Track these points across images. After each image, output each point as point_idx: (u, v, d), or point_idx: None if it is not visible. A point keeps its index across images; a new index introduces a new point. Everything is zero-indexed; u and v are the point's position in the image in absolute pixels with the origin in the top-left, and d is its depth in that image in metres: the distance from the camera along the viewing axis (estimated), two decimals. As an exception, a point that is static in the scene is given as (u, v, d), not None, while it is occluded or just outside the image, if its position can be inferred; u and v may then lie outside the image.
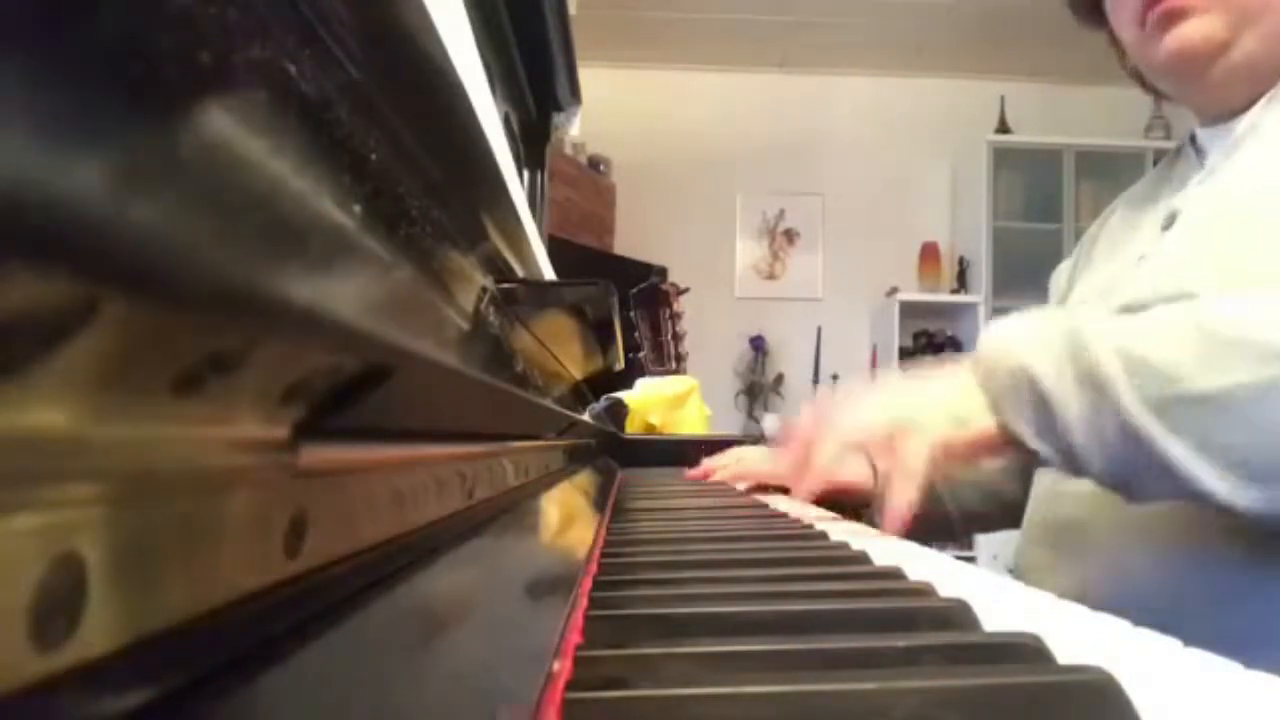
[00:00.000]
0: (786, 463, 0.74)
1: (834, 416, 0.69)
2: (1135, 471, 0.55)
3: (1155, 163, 0.91)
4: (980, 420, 0.61)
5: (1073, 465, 0.57)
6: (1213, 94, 0.77)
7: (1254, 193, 0.68)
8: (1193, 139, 0.84)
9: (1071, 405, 0.56)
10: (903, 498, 0.61)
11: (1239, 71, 0.73)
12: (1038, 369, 0.58)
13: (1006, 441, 0.60)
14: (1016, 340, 0.61)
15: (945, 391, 0.65)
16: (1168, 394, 0.52)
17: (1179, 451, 0.52)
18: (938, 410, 0.63)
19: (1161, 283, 0.70)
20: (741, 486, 0.96)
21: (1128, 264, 0.79)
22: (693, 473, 1.01)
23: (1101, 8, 0.83)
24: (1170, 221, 0.76)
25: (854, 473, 0.90)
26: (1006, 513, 0.92)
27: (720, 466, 1.05)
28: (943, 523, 0.90)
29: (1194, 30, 0.73)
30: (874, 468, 0.86)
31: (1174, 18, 0.74)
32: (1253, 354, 0.50)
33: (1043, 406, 0.57)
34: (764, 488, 1.00)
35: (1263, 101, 0.73)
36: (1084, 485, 0.63)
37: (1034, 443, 0.58)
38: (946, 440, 0.62)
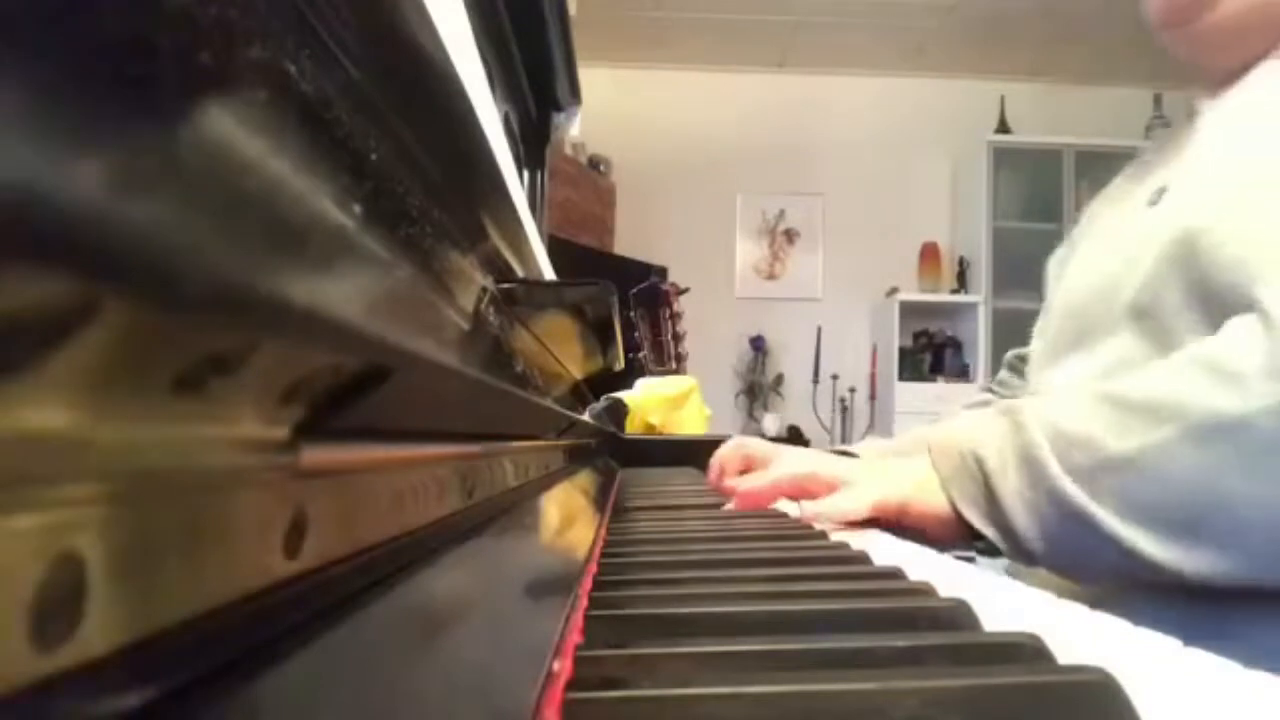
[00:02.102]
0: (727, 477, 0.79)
1: (794, 458, 0.74)
2: (1074, 546, 0.56)
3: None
4: (931, 495, 0.64)
5: (1017, 548, 0.59)
6: (1207, 49, 0.76)
7: (1233, 167, 0.67)
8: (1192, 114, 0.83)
9: (1010, 481, 0.59)
10: (845, 504, 0.65)
11: (1227, 26, 0.73)
12: (982, 450, 0.61)
13: (956, 522, 0.63)
14: (968, 427, 0.65)
15: (905, 469, 0.68)
16: (1088, 462, 0.55)
17: (1105, 516, 0.54)
18: (897, 478, 0.67)
19: (1148, 268, 0.70)
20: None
21: (1116, 237, 0.78)
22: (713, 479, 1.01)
23: None
24: (1158, 196, 0.76)
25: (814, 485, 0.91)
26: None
27: (725, 459, 1.03)
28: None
29: None
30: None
31: None
32: (1152, 416, 0.53)
33: (985, 485, 0.60)
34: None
35: (1255, 71, 0.73)
36: None
37: (978, 523, 0.61)
38: (901, 497, 0.65)
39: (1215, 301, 0.61)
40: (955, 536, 0.64)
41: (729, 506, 0.75)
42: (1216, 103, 0.77)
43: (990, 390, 1.11)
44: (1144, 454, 0.53)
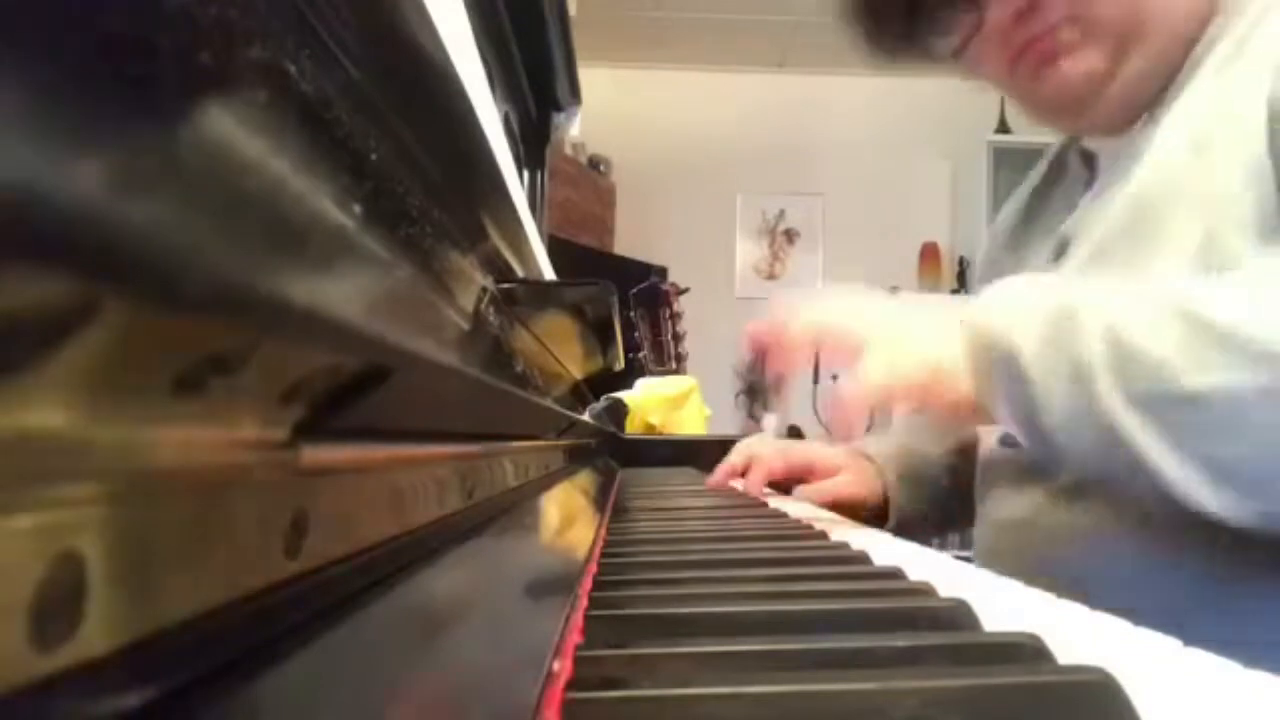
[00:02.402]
0: (757, 343, 0.71)
1: (812, 306, 0.67)
2: (1113, 467, 0.52)
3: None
4: (955, 381, 0.58)
5: (1046, 452, 0.55)
6: (1098, 120, 0.72)
7: (1144, 208, 0.64)
8: (1077, 144, 0.79)
9: (1052, 389, 0.53)
10: (851, 406, 0.60)
11: (1125, 96, 0.69)
12: (1022, 344, 0.54)
13: (981, 412, 0.58)
14: (1010, 313, 0.57)
15: (930, 333, 0.61)
16: (1152, 389, 0.49)
17: (1161, 453, 0.49)
18: (917, 347, 0.60)
19: None
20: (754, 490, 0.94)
21: None
22: (713, 481, 0.99)
23: (910, 37, 0.75)
24: (1062, 249, 0.73)
25: (850, 486, 0.89)
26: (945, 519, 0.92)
27: (731, 467, 1.02)
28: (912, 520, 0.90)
29: (1072, 69, 0.68)
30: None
31: (1050, 58, 0.68)
32: (1244, 354, 0.47)
33: (1021, 385, 0.54)
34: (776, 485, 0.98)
35: (1153, 114, 0.68)
36: (1059, 517, 0.62)
37: (1008, 422, 0.56)
38: (913, 382, 0.59)
39: None
40: (971, 421, 0.60)
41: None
42: (1112, 148, 0.73)
43: None
44: (1222, 396, 0.47)
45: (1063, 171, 0.83)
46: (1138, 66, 0.68)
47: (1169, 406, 0.49)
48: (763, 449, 0.96)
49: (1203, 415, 0.48)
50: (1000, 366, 0.55)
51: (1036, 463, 0.58)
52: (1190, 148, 0.63)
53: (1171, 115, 0.66)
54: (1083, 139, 0.78)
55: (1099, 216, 0.69)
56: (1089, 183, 0.76)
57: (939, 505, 0.91)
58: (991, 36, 0.70)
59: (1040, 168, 0.88)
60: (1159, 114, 0.67)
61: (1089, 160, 0.78)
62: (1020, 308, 0.57)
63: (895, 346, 0.60)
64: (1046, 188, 0.84)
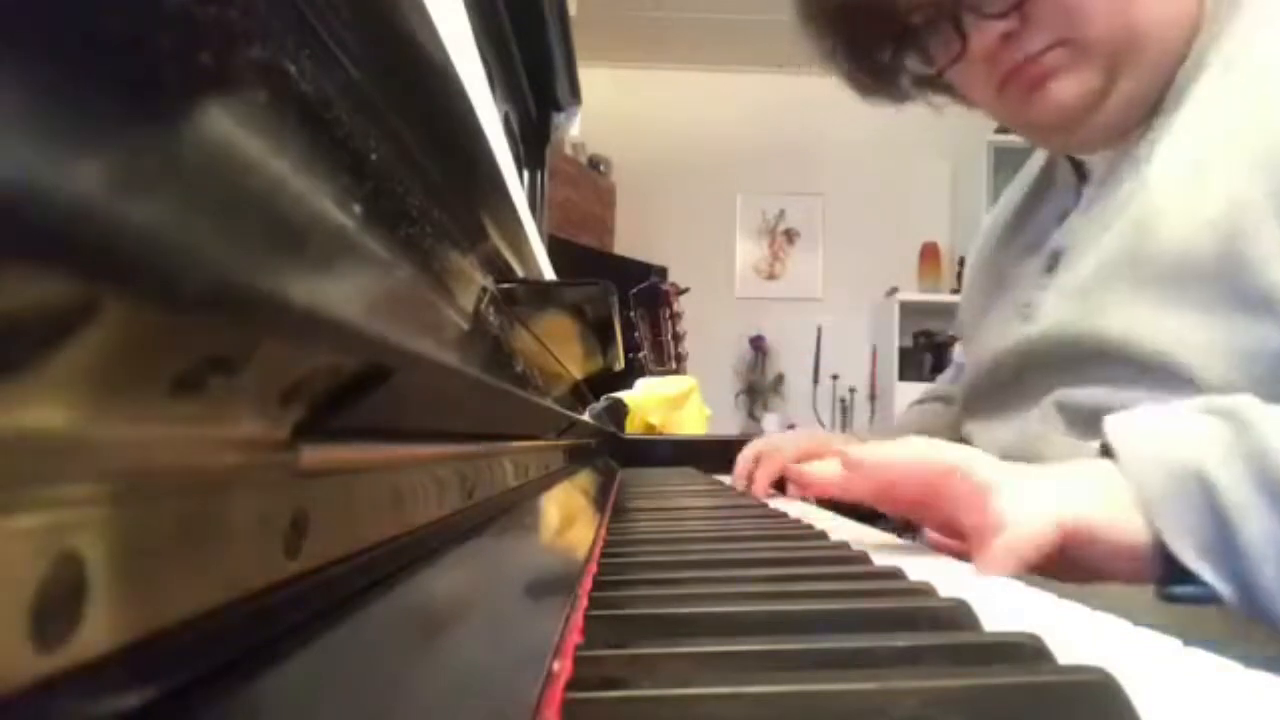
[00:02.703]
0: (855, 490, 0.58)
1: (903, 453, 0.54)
2: None
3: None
4: (1126, 524, 0.47)
5: (1249, 596, 0.45)
6: (1091, 137, 0.71)
7: (1134, 252, 0.63)
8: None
9: (1254, 512, 0.44)
10: (1018, 540, 0.46)
11: (1119, 113, 0.68)
12: (1207, 465, 0.45)
13: (1155, 556, 0.46)
14: (1168, 429, 0.48)
15: (1079, 475, 0.50)
16: None
17: None
18: (1075, 486, 0.49)
19: (1055, 331, 0.67)
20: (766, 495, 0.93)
21: (1015, 310, 0.74)
22: (739, 486, 0.96)
23: (889, 79, 0.74)
24: (1054, 262, 0.72)
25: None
26: None
27: (748, 469, 0.98)
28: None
29: (1065, 91, 0.67)
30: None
31: (1041, 81, 0.67)
32: None
33: (1215, 512, 0.45)
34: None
35: (1146, 130, 0.67)
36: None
37: (1197, 563, 0.45)
38: (1089, 518, 0.46)
39: None
40: (1146, 576, 0.47)
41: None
42: (1105, 159, 0.72)
43: (939, 399, 1.04)
44: None
45: (1052, 179, 0.81)
46: (1130, 85, 0.67)
47: None
48: (773, 445, 0.95)
49: None
50: (1183, 491, 0.46)
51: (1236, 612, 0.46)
52: (1191, 171, 0.62)
53: (1170, 135, 0.65)
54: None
55: (1094, 233, 0.68)
56: (1078, 192, 0.75)
57: None
58: (976, 61, 0.68)
59: (1030, 169, 0.87)
60: (1153, 131, 0.67)
61: (1079, 168, 0.77)
62: (1179, 427, 0.48)
63: (1035, 488, 0.49)
64: (1037, 192, 0.83)
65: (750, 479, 0.95)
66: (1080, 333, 0.65)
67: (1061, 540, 0.46)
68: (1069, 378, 0.67)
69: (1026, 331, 0.72)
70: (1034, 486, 0.49)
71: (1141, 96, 0.67)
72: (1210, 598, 0.46)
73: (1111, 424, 0.51)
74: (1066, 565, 0.47)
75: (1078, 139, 0.72)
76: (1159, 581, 0.47)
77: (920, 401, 1.08)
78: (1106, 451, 0.50)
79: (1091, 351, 0.64)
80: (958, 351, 0.92)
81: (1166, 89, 0.67)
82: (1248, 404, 0.47)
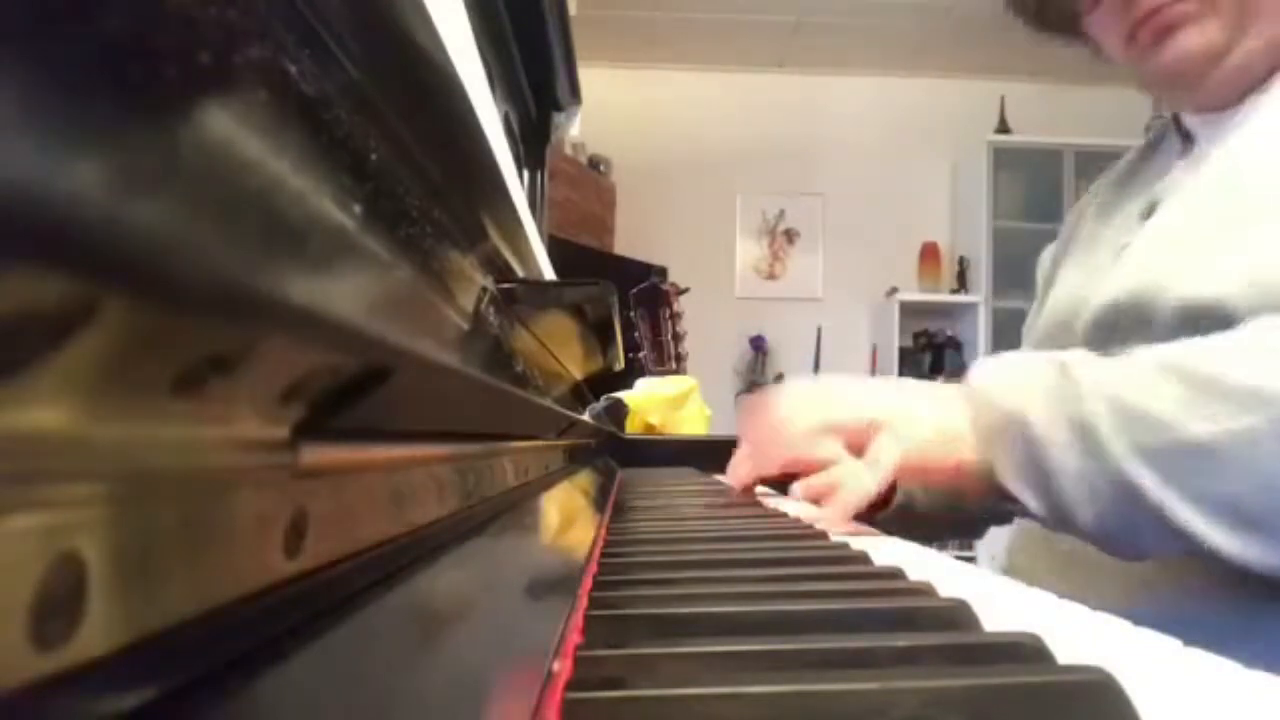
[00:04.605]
0: (751, 436, 0.74)
1: (811, 399, 0.69)
2: (1128, 525, 0.53)
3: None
4: (964, 450, 0.59)
5: (1057, 516, 0.56)
6: (1211, 95, 0.74)
7: (1238, 183, 0.66)
8: (1176, 121, 0.81)
9: (1062, 451, 0.54)
10: (860, 488, 0.60)
11: (1240, 72, 0.70)
12: (1029, 411, 0.56)
13: (986, 480, 0.59)
14: (1010, 380, 0.59)
15: (935, 409, 0.63)
16: (1159, 442, 0.51)
17: (1173, 502, 0.50)
18: (924, 423, 0.62)
19: (1138, 276, 0.68)
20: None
21: (1108, 255, 0.77)
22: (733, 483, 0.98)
23: (1072, 19, 0.78)
24: (1150, 210, 0.74)
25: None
26: (958, 526, 0.90)
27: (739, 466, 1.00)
28: (915, 522, 0.89)
29: (1191, 41, 0.70)
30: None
31: (1169, 30, 0.70)
32: (1235, 400, 0.49)
33: (1031, 449, 0.55)
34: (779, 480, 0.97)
35: (1258, 93, 0.70)
36: None
37: (1017, 487, 0.57)
38: (925, 453, 0.60)
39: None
40: (985, 494, 0.60)
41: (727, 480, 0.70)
42: (1213, 125, 0.74)
43: None
44: (1227, 441, 0.49)
45: (1158, 146, 0.84)
46: (1254, 43, 0.69)
47: (1176, 457, 0.50)
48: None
49: (1209, 461, 0.49)
50: (1009, 430, 0.56)
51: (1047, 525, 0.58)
52: None
53: (1275, 97, 0.67)
54: (1183, 119, 0.79)
55: (1191, 180, 0.71)
56: (1184, 155, 0.77)
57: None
58: (1110, 8, 0.73)
59: (1131, 153, 0.89)
60: (1263, 94, 0.69)
61: (1187, 137, 0.79)
62: (1020, 376, 0.59)
63: (905, 422, 0.62)
64: (1144, 158, 0.85)
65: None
66: (1159, 286, 0.66)
67: (900, 469, 0.60)
68: (1144, 334, 0.68)
69: (1115, 276, 0.73)
70: (886, 431, 0.62)
71: (1262, 60, 0.70)
72: (1022, 512, 0.58)
73: (976, 365, 0.63)
74: (912, 514, 0.64)
75: (1200, 94, 0.74)
76: (994, 498, 0.60)
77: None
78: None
79: (1170, 305, 0.65)
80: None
81: None
82: (1080, 358, 0.57)
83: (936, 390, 0.66)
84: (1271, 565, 0.50)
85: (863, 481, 0.61)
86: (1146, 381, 0.53)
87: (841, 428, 0.65)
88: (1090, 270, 0.79)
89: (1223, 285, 0.60)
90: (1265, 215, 0.61)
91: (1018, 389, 0.58)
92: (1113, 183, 0.88)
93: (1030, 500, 0.57)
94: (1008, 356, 0.63)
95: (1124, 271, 0.72)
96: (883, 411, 0.63)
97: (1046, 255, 0.98)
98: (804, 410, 0.68)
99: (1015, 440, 0.56)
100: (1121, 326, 0.70)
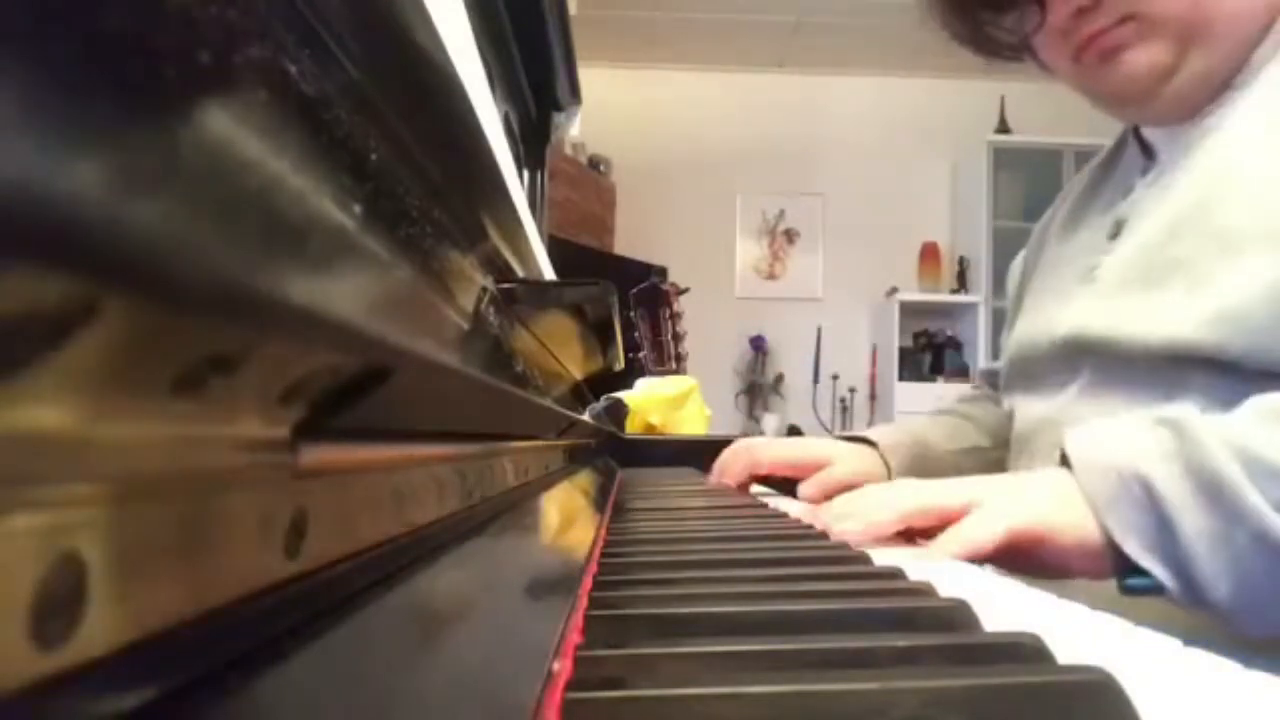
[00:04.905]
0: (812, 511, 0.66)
1: (894, 491, 0.60)
2: (1262, 582, 0.48)
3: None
4: (1078, 525, 0.52)
5: (1190, 589, 0.49)
6: (1163, 112, 0.73)
7: (1204, 204, 0.65)
8: (1135, 131, 0.80)
9: (1191, 511, 0.48)
10: (975, 532, 0.53)
11: (1191, 88, 0.70)
12: (1149, 469, 0.50)
13: (1108, 553, 0.52)
14: (1116, 444, 0.53)
15: (1038, 484, 0.56)
16: None
17: None
18: (1035, 494, 0.55)
19: (1105, 311, 0.68)
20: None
21: (1075, 277, 0.76)
22: (711, 480, 0.98)
23: (1018, 45, 0.77)
24: (1117, 229, 0.74)
25: (851, 475, 0.88)
26: None
27: (722, 467, 1.01)
28: None
29: (1137, 61, 0.69)
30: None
31: (1114, 51, 0.70)
32: None
33: (1156, 511, 0.49)
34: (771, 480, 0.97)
35: (1217, 105, 0.69)
36: None
37: (1144, 558, 0.50)
38: (1042, 522, 0.53)
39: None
40: (1102, 571, 0.53)
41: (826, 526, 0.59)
42: (1171, 138, 0.74)
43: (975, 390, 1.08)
44: None
45: (1119, 158, 0.84)
46: (1201, 64, 0.69)
47: None
48: (751, 444, 0.95)
49: None
50: (1127, 493, 0.51)
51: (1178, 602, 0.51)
52: (1264, 132, 0.64)
53: (1244, 104, 0.67)
54: (1142, 130, 0.79)
55: (1158, 201, 0.70)
56: (1145, 169, 0.77)
57: None
58: (1054, 32, 0.72)
59: (1095, 161, 0.89)
60: (1225, 106, 0.69)
61: (1147, 149, 0.79)
62: (1126, 437, 0.53)
63: (1013, 495, 0.55)
64: (1105, 170, 0.85)
65: (724, 474, 0.96)
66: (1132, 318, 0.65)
67: (1010, 539, 0.52)
68: (1111, 363, 0.67)
69: (1082, 304, 0.73)
70: (994, 500, 0.55)
71: (1213, 73, 0.69)
72: (1159, 588, 0.50)
73: (1070, 435, 0.56)
74: (1028, 563, 0.54)
75: (1151, 112, 0.74)
76: (1115, 576, 0.52)
77: (966, 399, 1.07)
78: (1065, 461, 0.56)
79: (1138, 344, 0.64)
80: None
81: (1240, 67, 0.69)
82: (1188, 415, 0.53)
83: (1030, 474, 0.61)
84: None
85: (970, 532, 0.53)
86: (1271, 431, 0.49)
87: (932, 511, 0.56)
88: (1057, 294, 0.79)
89: (1196, 324, 0.59)
90: (1233, 251, 0.60)
91: (1128, 450, 0.52)
92: (1078, 194, 0.88)
93: (1160, 573, 0.50)
94: (1098, 424, 0.57)
95: (1089, 305, 0.71)
96: (981, 491, 0.56)
97: (1016, 266, 0.98)
98: (892, 497, 0.59)
99: (1136, 501, 0.50)
100: (1090, 354, 0.70)
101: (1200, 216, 0.65)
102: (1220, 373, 0.58)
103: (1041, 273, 0.87)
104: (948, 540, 0.53)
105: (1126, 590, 0.51)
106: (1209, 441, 0.49)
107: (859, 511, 0.58)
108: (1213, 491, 0.48)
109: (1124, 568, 0.51)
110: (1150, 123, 0.77)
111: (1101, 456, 0.53)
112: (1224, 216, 0.63)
